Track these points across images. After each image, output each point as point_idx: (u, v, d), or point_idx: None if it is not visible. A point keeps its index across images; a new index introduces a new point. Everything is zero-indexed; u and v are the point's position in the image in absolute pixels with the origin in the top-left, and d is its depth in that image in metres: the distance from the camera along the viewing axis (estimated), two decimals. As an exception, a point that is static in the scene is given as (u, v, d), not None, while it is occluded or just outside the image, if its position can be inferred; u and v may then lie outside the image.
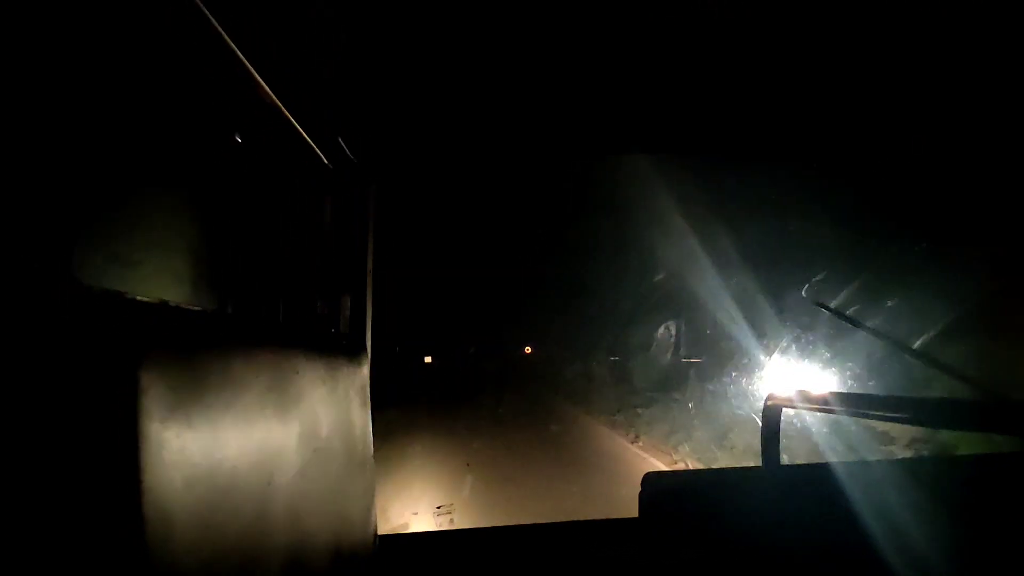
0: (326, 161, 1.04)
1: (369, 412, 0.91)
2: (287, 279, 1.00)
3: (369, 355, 1.02)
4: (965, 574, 0.86)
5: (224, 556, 0.51)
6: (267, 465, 0.58)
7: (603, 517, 1.28)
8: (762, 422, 1.88)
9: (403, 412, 12.69)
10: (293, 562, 0.62)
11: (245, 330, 0.63)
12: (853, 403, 2.17)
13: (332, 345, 0.83)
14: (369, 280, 1.11)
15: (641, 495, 1.24)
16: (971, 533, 1.00)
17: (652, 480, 1.27)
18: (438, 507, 6.63)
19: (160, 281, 0.84)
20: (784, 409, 1.85)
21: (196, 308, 0.61)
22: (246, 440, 0.55)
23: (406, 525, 5.96)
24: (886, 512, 1.29)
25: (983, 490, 1.14)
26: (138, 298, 0.48)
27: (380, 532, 0.96)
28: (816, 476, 1.68)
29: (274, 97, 0.84)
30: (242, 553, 0.53)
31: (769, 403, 1.82)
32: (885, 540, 1.07)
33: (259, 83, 0.79)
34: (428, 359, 30.09)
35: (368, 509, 0.89)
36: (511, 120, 1.28)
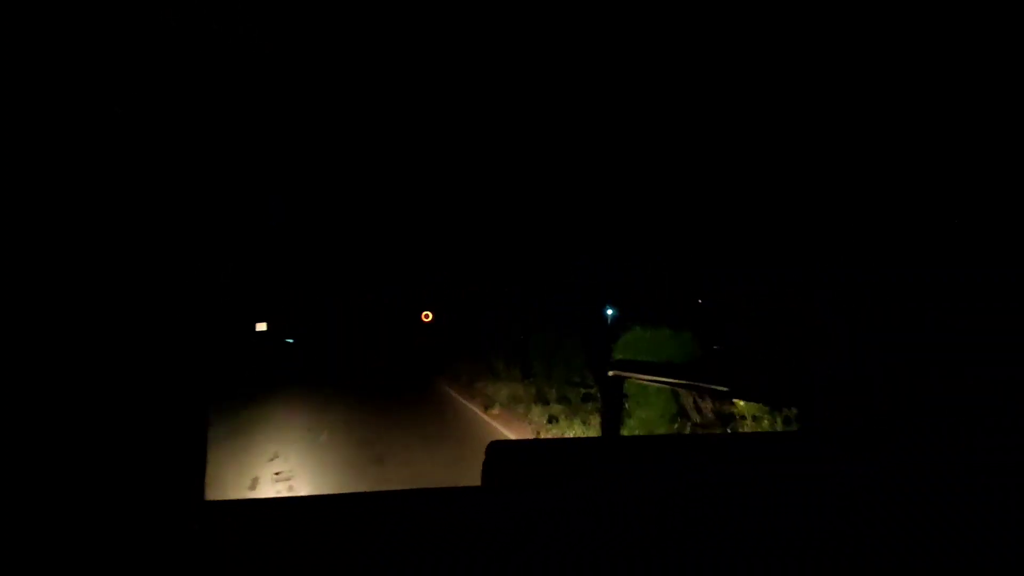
0: None
1: (199, 378, 0.87)
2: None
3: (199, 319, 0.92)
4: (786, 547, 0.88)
5: None
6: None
7: (446, 486, 1.24)
8: (602, 394, 1.95)
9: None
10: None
11: None
12: (682, 374, 2.38)
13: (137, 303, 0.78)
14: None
15: (485, 463, 1.22)
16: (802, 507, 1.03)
17: (496, 449, 1.25)
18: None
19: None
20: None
21: None
22: None
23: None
24: (723, 485, 1.34)
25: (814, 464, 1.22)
26: None
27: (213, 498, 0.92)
28: (654, 447, 1.77)
29: None
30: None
31: (610, 374, 1.90)
32: (718, 512, 1.10)
33: None
34: (262, 326, 24.05)
35: (193, 475, 0.87)
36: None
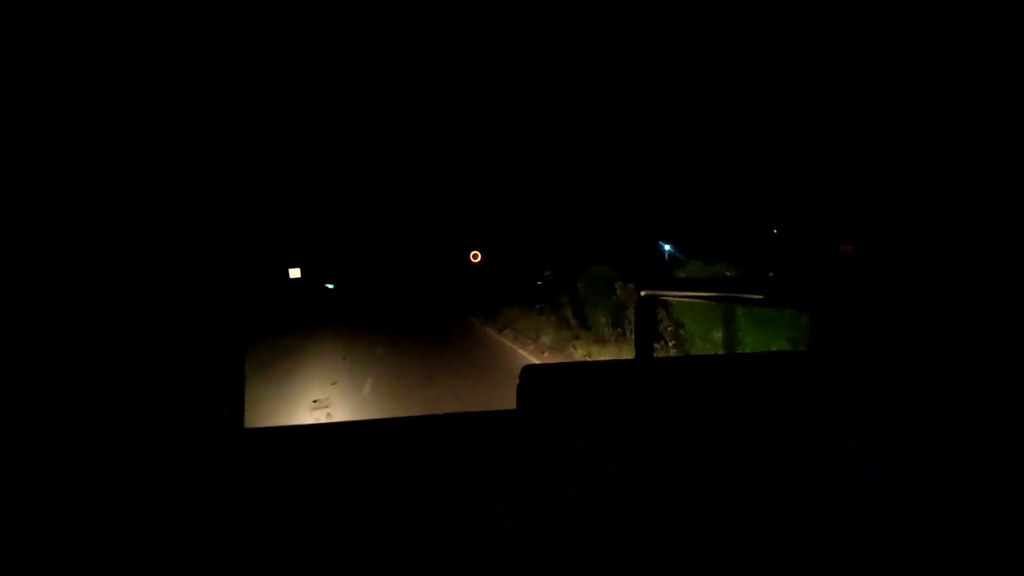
0: None
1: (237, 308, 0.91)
2: None
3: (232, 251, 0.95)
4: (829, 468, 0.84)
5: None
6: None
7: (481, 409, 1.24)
8: (636, 315, 1.87)
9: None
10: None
11: None
12: (716, 287, 2.30)
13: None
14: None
15: (519, 387, 1.19)
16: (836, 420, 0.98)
17: (530, 373, 1.21)
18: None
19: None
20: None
21: None
22: None
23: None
24: (754, 402, 1.28)
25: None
26: None
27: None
28: (686, 367, 1.70)
29: None
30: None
31: (642, 294, 1.79)
32: (749, 430, 1.05)
33: None
34: (295, 272, 21.38)
35: (233, 402, 0.91)
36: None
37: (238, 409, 0.98)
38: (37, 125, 0.63)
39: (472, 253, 19.01)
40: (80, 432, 0.58)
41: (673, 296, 1.79)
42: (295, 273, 23.33)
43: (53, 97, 0.65)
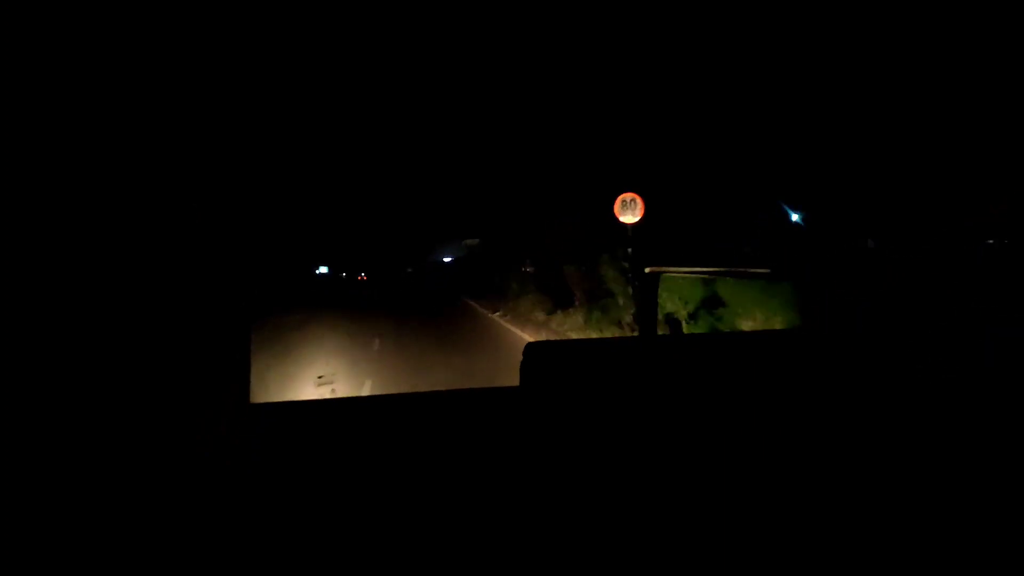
0: None
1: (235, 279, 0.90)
2: None
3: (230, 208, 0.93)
4: (826, 440, 0.83)
5: None
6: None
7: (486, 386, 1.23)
8: (640, 292, 1.84)
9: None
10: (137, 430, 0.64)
11: None
12: (721, 263, 2.28)
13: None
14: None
15: (523, 364, 1.19)
16: (833, 406, 0.97)
17: (534, 350, 1.20)
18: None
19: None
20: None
21: None
22: None
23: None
24: (753, 380, 1.27)
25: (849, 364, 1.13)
26: None
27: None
28: (690, 345, 1.67)
29: None
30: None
31: (647, 271, 1.76)
32: (752, 407, 1.03)
33: None
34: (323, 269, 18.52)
35: (237, 377, 0.91)
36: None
37: (243, 385, 0.97)
38: (38, 126, 0.63)
39: (624, 197, 7.71)
40: (84, 411, 0.58)
41: (679, 272, 1.76)
42: (323, 270, 21.04)
43: (53, 97, 0.65)
